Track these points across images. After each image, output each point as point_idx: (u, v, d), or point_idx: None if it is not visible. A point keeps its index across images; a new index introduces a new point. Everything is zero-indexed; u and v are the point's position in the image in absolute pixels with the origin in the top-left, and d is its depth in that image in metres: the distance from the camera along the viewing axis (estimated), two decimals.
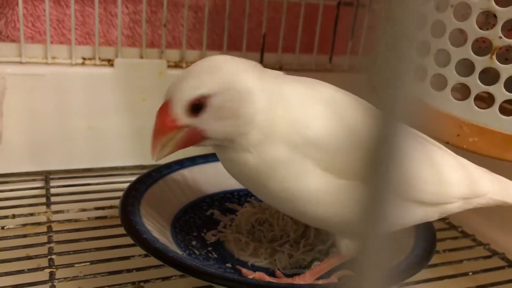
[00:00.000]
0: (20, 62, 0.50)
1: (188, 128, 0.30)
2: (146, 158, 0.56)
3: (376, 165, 0.15)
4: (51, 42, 0.51)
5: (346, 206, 0.31)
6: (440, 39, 0.35)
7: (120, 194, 0.40)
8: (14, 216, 0.43)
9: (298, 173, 0.30)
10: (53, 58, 0.51)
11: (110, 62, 0.53)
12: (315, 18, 0.59)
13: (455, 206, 0.34)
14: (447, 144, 0.36)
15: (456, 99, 0.35)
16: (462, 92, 0.35)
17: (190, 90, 0.29)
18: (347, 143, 0.31)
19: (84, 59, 0.52)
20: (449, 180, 0.33)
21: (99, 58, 0.52)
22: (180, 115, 0.30)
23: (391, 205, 0.16)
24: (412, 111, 0.14)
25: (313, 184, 0.31)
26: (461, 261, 0.42)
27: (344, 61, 0.62)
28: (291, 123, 0.30)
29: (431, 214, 0.34)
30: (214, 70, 0.30)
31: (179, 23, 0.56)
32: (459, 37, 0.34)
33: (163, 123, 0.30)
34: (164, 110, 0.30)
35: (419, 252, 0.35)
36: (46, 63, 0.50)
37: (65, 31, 0.53)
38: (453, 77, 0.35)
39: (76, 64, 0.51)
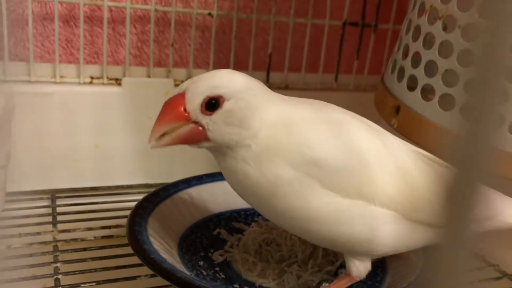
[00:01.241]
0: (29, 81, 0.50)
1: (194, 124, 0.31)
2: (153, 176, 0.56)
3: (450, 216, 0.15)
4: (60, 62, 0.51)
5: (351, 226, 0.31)
6: (447, 59, 0.35)
7: (127, 213, 0.40)
8: (20, 235, 0.43)
9: (301, 191, 0.31)
10: (62, 77, 0.51)
11: (117, 81, 0.53)
12: (321, 38, 0.60)
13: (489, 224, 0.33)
14: None
15: None
16: None
17: (211, 88, 0.31)
18: (349, 164, 0.31)
19: (92, 78, 0.52)
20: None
21: (107, 77, 0.53)
22: (194, 109, 0.30)
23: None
24: (492, 160, 0.13)
25: (316, 203, 0.31)
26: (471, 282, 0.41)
27: (349, 80, 0.63)
28: (293, 144, 0.31)
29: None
30: (235, 78, 0.32)
31: (186, 42, 0.57)
32: None
33: (174, 111, 0.30)
34: (177, 100, 0.31)
35: (428, 273, 0.34)
36: (55, 82, 0.51)
37: (74, 51, 0.53)
38: None
39: (84, 83, 0.52)
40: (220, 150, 0.32)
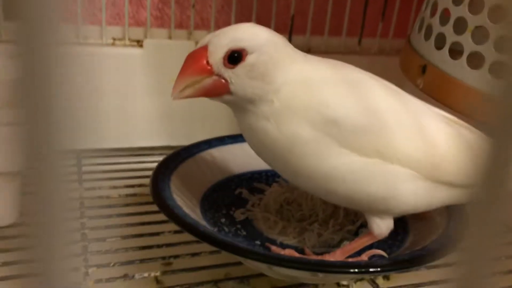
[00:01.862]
0: None
1: (217, 77, 0.31)
2: (175, 138, 0.57)
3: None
4: (82, 23, 0.51)
5: (369, 184, 0.31)
6: (477, 15, 0.34)
7: (149, 173, 0.41)
8: None
9: (319, 150, 0.31)
10: (84, 38, 0.51)
11: (139, 43, 0.53)
12: (344, 1, 0.59)
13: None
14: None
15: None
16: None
17: (234, 40, 0.30)
18: (368, 123, 0.31)
19: (114, 39, 0.52)
20: None
21: (129, 39, 0.53)
22: (216, 62, 0.30)
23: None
24: None
25: (334, 162, 0.31)
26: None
27: (373, 44, 0.61)
28: (312, 102, 0.31)
29: (459, 197, 0.33)
30: (258, 32, 0.31)
31: (207, 4, 0.56)
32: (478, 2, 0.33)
33: (197, 64, 0.30)
34: (200, 53, 0.31)
35: (451, 232, 0.34)
36: (78, 43, 0.51)
37: (96, 11, 0.53)
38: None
39: (107, 45, 0.52)
40: (242, 106, 0.32)
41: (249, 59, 0.30)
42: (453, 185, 0.32)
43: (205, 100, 0.55)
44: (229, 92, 0.31)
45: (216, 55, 0.30)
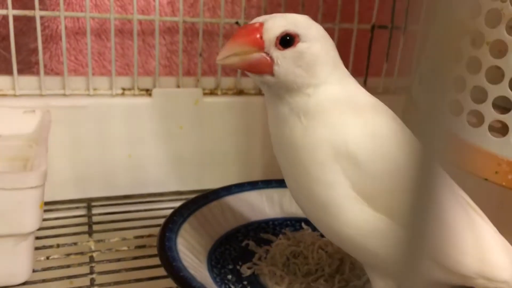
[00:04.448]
0: (64, 95, 0.52)
1: (265, 54, 0.31)
2: (183, 184, 0.58)
3: (414, 212, 0.15)
4: (93, 74, 0.53)
5: (370, 237, 0.31)
6: (476, 75, 0.34)
7: (159, 221, 0.42)
8: (58, 246, 0.45)
9: (329, 181, 0.31)
10: (95, 89, 0.53)
11: (148, 92, 0.54)
12: (349, 41, 0.59)
13: (478, 282, 0.33)
14: (486, 180, 0.35)
15: (494, 136, 0.34)
16: (500, 129, 0.35)
17: (292, 24, 0.31)
18: (387, 177, 0.30)
19: (123, 89, 0.54)
20: (493, 260, 0.32)
21: (138, 88, 0.54)
22: (269, 39, 0.31)
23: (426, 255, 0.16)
24: (449, 147, 0.14)
25: (340, 202, 0.31)
26: None
27: (379, 83, 0.62)
28: (344, 128, 0.31)
29: (450, 278, 0.33)
30: (314, 25, 0.32)
31: (214, 51, 0.57)
32: (496, 74, 0.34)
33: (251, 36, 0.31)
34: (256, 28, 0.31)
35: None
36: (88, 95, 0.53)
37: (106, 63, 0.55)
38: (490, 114, 0.34)
39: (116, 95, 0.53)
40: (278, 93, 0.32)
41: (300, 46, 0.31)
42: (454, 274, 0.32)
43: (213, 146, 0.57)
44: (271, 72, 0.31)
45: (271, 33, 0.30)
